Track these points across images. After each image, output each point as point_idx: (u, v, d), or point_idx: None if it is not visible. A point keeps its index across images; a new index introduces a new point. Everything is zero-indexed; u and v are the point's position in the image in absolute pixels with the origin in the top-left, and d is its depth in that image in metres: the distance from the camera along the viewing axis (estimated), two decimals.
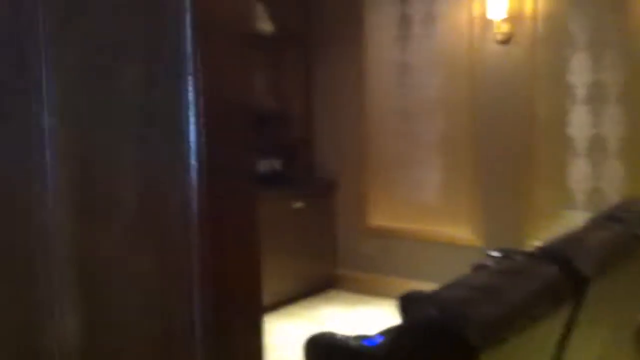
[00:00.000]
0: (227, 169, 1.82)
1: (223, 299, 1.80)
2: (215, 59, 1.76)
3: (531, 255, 2.29)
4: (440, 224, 5.05)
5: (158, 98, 1.80)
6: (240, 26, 1.85)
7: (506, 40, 4.65)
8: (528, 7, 4.58)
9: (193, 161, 1.75)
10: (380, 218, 5.32)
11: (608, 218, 2.88)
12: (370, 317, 4.72)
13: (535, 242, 2.43)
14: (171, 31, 1.74)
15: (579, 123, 4.50)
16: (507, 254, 2.91)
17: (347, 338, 2.14)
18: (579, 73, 4.48)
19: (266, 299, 4.81)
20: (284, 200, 5.02)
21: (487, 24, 4.70)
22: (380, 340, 2.08)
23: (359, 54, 5.29)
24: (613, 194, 4.34)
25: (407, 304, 2.18)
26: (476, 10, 4.75)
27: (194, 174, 1.76)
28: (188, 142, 1.74)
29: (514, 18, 4.60)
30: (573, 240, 2.45)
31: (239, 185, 1.85)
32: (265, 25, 5.13)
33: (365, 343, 2.06)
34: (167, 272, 1.85)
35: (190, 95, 1.72)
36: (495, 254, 3.02)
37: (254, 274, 1.88)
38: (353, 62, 5.32)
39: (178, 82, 1.75)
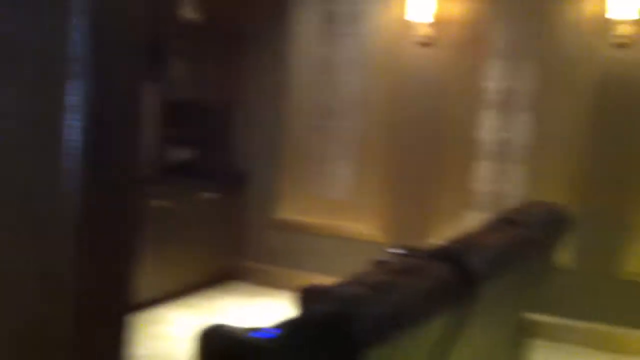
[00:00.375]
0: (108, 173, 1.80)
1: (92, 296, 1.79)
2: (105, 63, 1.73)
3: (428, 254, 2.35)
4: (349, 220, 5.11)
5: (43, 101, 1.76)
6: (134, 31, 1.81)
7: (429, 44, 4.74)
8: (453, 12, 4.67)
9: (72, 165, 1.72)
10: (290, 212, 5.33)
11: (505, 221, 2.98)
12: (272, 309, 4.74)
13: (436, 241, 2.49)
14: (61, 35, 1.70)
15: (488, 128, 4.64)
16: (406, 251, 2.98)
17: (242, 330, 2.14)
18: (494, 79, 4.62)
19: (166, 289, 4.81)
20: (194, 190, 4.97)
21: (411, 26, 4.77)
22: (275, 332, 2.09)
23: (283, 48, 5.28)
24: (514, 197, 4.50)
25: (305, 297, 2.20)
26: (401, 13, 4.81)
27: (72, 178, 1.73)
28: (68, 146, 1.70)
29: (439, 22, 4.69)
30: (469, 241, 2.53)
31: (120, 188, 1.82)
32: (192, 14, 5.05)
33: (259, 335, 2.07)
34: (41, 272, 1.82)
35: (75, 99, 1.69)
36: (395, 251, 3.09)
37: (124, 274, 1.87)
38: (277, 56, 5.30)
39: (64, 86, 1.70)
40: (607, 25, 4.25)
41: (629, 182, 4.30)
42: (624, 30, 4.20)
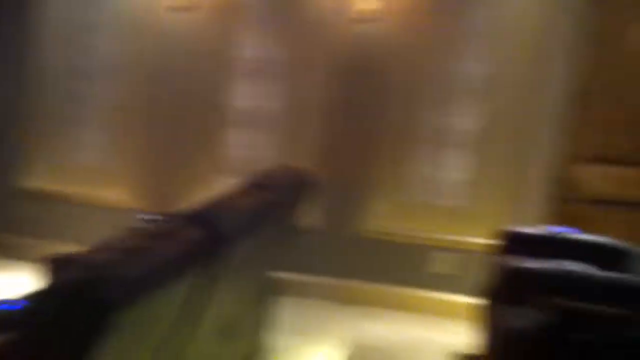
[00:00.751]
0: None
1: None
2: None
3: (179, 218, 2.41)
4: (103, 187, 5.00)
5: None
6: None
7: (186, 9, 4.73)
8: None
9: None
10: (39, 180, 5.08)
11: (255, 185, 3.13)
12: (19, 282, 4.51)
13: (188, 206, 2.56)
14: None
15: (242, 95, 4.78)
16: (159, 216, 3.01)
17: None
18: (247, 47, 4.75)
19: None
20: None
21: None
22: (23, 304, 2.03)
23: (27, 5, 4.95)
24: (265, 162, 4.69)
25: (53, 266, 2.16)
26: None
27: None
28: None
29: None
30: (219, 205, 2.63)
31: None
32: None
33: (4, 307, 2.01)
34: None
35: None
36: (148, 216, 3.10)
37: None
38: (21, 16, 4.96)
39: None
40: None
41: (370, 148, 4.68)
42: (363, 5, 4.53)
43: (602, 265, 3.33)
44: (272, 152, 4.77)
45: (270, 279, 3.37)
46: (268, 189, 3.05)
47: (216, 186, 4.64)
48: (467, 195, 4.62)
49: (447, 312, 4.52)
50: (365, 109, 4.66)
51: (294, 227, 3.52)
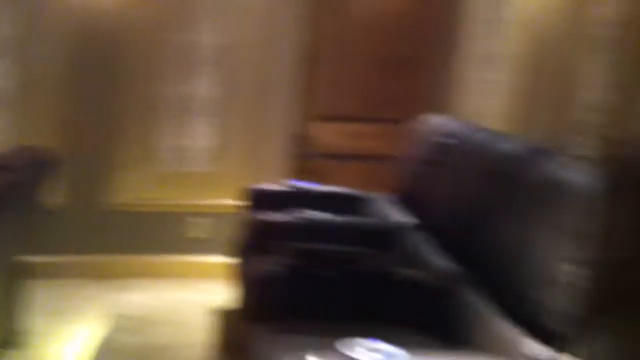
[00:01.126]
0: None
1: None
2: None
3: None
4: None
5: None
6: None
7: None
8: None
9: None
10: None
11: None
12: None
13: None
14: None
15: None
16: None
17: None
18: None
19: None
20: None
21: None
22: None
23: None
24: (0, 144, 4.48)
25: None
26: None
27: None
28: None
29: None
30: None
31: None
32: None
33: None
34: None
35: None
36: None
37: None
38: None
39: None
40: None
41: (114, 121, 4.65)
42: None
43: (338, 212, 3.70)
44: (8, 132, 4.54)
45: (18, 262, 3.27)
46: (6, 171, 2.96)
47: None
48: (214, 160, 4.78)
49: (205, 274, 4.68)
50: (105, 82, 4.60)
51: (39, 207, 3.45)
